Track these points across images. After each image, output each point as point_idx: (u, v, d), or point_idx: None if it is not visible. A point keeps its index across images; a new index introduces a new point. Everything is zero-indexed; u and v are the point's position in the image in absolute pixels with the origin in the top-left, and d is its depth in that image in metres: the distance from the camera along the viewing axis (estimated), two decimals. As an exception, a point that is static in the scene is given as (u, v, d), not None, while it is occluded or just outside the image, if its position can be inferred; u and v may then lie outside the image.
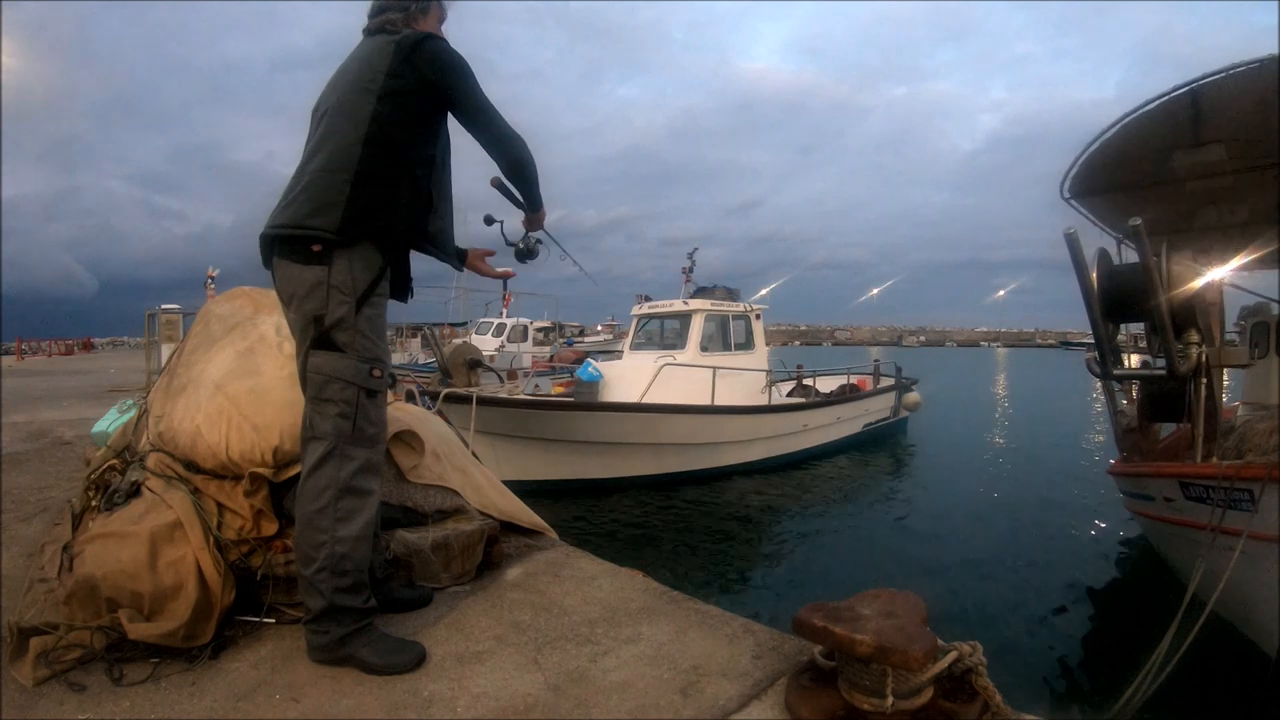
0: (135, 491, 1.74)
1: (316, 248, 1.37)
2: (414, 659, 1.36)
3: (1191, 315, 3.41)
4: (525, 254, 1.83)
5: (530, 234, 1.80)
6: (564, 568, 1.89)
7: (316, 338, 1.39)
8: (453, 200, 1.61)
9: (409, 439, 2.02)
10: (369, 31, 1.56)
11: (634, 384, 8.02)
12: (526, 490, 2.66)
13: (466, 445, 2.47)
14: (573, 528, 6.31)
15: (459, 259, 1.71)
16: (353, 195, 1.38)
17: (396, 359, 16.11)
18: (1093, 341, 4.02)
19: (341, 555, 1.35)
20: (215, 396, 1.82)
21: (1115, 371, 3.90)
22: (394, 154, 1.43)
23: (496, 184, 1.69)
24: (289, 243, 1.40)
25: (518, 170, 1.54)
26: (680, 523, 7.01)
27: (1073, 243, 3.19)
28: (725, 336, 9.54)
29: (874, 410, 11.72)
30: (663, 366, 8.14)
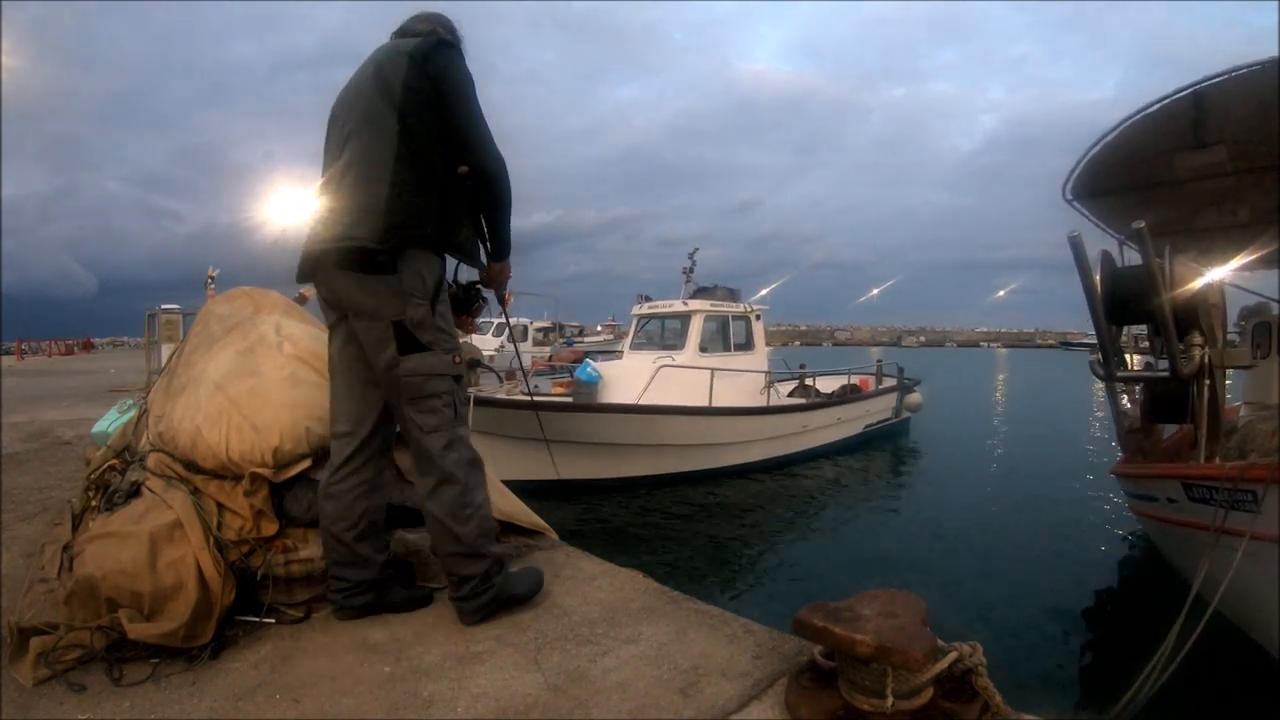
0: (135, 491, 1.74)
1: (380, 257, 1.42)
2: (539, 578, 1.66)
3: (1194, 317, 3.41)
4: (462, 302, 1.68)
5: (476, 284, 1.66)
6: (564, 568, 1.88)
7: (403, 341, 1.44)
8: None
9: (409, 439, 2.02)
10: (396, 35, 1.61)
11: (633, 384, 8.02)
12: (526, 490, 2.66)
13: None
14: (573, 528, 6.31)
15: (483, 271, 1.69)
16: (390, 205, 1.41)
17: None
18: (1094, 343, 4.02)
19: (485, 516, 1.54)
20: (215, 396, 1.83)
21: (1118, 373, 3.90)
22: (425, 165, 1.46)
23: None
24: (346, 254, 1.44)
25: (489, 188, 1.53)
26: (680, 523, 7.01)
27: (1076, 245, 3.19)
28: (725, 337, 9.53)
29: (875, 411, 11.70)
30: (660, 367, 8.14)
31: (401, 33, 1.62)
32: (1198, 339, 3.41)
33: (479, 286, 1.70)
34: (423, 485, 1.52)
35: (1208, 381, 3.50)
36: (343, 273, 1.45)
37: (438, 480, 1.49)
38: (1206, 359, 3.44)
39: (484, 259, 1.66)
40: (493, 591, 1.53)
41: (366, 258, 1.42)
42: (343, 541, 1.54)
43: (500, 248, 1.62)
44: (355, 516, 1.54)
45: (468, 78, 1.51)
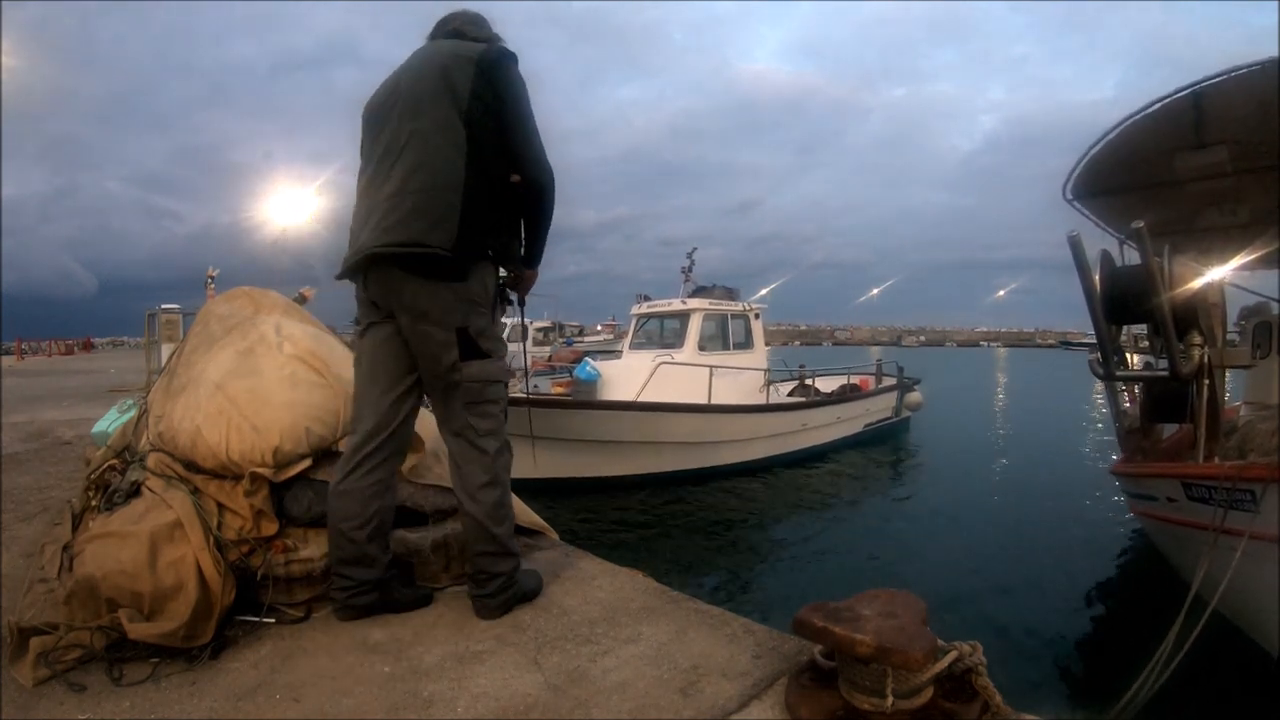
0: (135, 491, 1.74)
1: (453, 266, 1.45)
2: (540, 577, 1.71)
3: (1193, 316, 3.42)
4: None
5: (503, 287, 1.68)
6: (564, 568, 1.88)
7: (466, 348, 1.49)
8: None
9: (409, 439, 2.02)
10: (442, 35, 1.62)
11: (631, 383, 8.03)
12: (526, 489, 2.66)
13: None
14: (573, 528, 6.31)
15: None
16: (464, 214, 1.44)
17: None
18: (1094, 342, 4.03)
19: (514, 517, 1.62)
20: (215, 396, 1.83)
21: (1118, 373, 3.90)
22: (489, 175, 1.50)
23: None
24: (416, 260, 1.44)
25: (539, 200, 1.56)
26: (680, 523, 7.01)
27: (1075, 245, 3.20)
28: (724, 336, 9.55)
29: (875, 410, 11.71)
30: (659, 365, 8.15)
31: (451, 33, 1.62)
32: (1197, 339, 3.42)
33: (506, 289, 1.72)
34: (467, 485, 1.54)
35: (1207, 381, 3.50)
36: (408, 277, 1.46)
37: (485, 482, 1.53)
38: (1206, 359, 3.44)
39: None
40: (516, 587, 1.60)
41: (439, 264, 1.44)
42: (353, 540, 1.53)
43: (536, 255, 1.66)
44: (368, 515, 1.54)
45: (525, 89, 1.54)
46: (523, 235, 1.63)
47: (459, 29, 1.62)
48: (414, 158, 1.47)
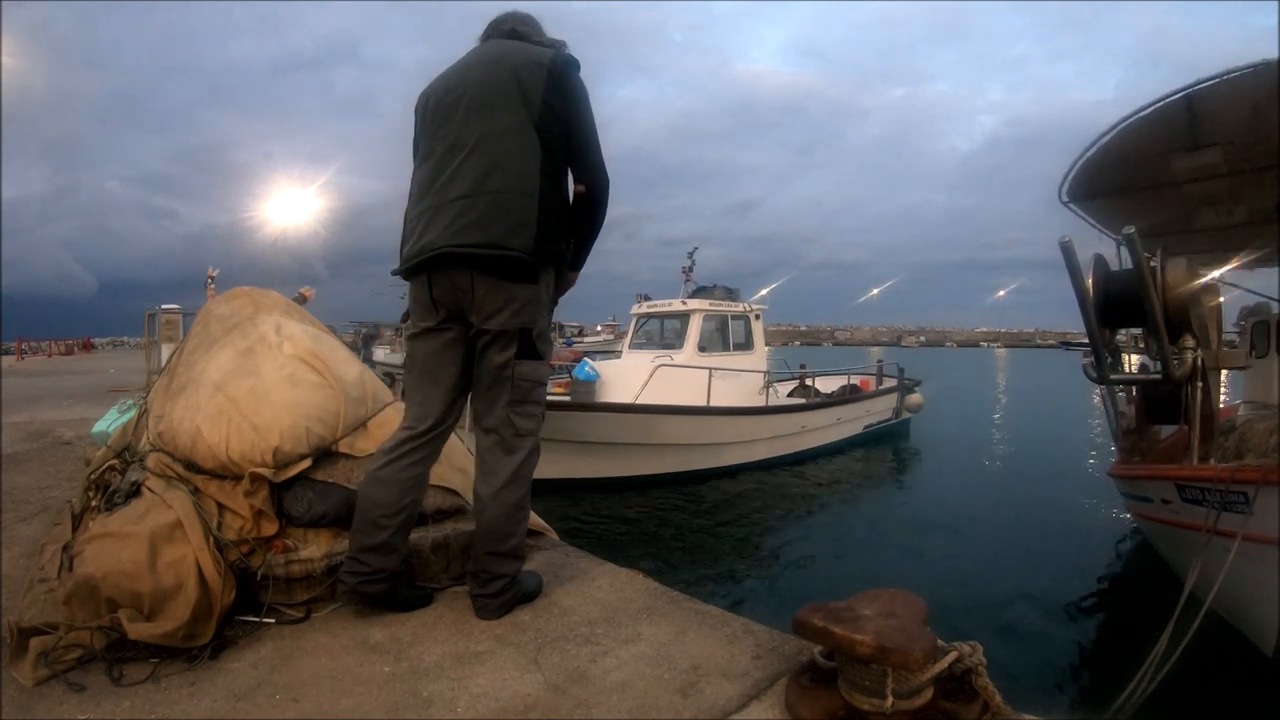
0: (135, 491, 1.74)
1: (528, 269, 1.48)
2: (540, 577, 1.71)
3: (1187, 319, 3.43)
4: None
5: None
6: (564, 568, 1.88)
7: (524, 348, 1.52)
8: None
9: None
10: (498, 35, 1.64)
11: (631, 384, 8.03)
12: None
13: (465, 444, 2.47)
14: (573, 528, 6.31)
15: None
16: (540, 219, 1.47)
17: (398, 358, 16.11)
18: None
19: (527, 522, 1.63)
20: (215, 396, 1.83)
21: (1111, 377, 3.91)
22: (558, 181, 1.54)
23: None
24: (493, 261, 1.47)
25: (596, 209, 1.60)
26: (680, 523, 7.01)
27: (1067, 251, 3.21)
28: (724, 336, 9.55)
29: (875, 411, 11.72)
30: (658, 366, 8.14)
31: (508, 34, 1.63)
32: (1190, 342, 3.42)
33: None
34: (490, 483, 1.54)
35: (1200, 384, 3.51)
36: (482, 277, 1.47)
37: (509, 481, 1.54)
38: (1199, 362, 3.45)
39: None
40: (517, 587, 1.60)
41: (515, 266, 1.47)
42: (381, 527, 1.53)
43: (581, 260, 1.69)
44: (400, 505, 1.55)
45: (588, 96, 1.57)
46: (571, 239, 1.66)
47: (516, 30, 1.63)
48: (487, 159, 1.48)
